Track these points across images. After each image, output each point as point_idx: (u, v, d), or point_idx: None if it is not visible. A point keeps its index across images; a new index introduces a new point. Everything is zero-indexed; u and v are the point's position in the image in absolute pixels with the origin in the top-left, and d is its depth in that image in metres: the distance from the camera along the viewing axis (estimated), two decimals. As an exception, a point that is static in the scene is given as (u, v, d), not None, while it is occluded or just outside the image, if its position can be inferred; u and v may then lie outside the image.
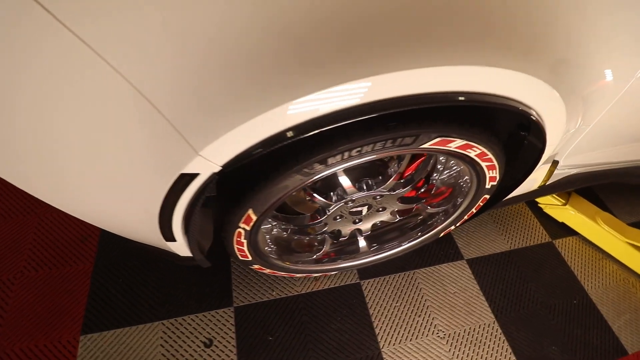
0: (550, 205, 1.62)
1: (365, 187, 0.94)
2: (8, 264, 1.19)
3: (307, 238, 1.18)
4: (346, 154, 0.67)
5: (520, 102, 0.72)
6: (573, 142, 1.07)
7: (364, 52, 0.55)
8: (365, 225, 1.15)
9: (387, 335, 1.23)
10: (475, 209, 1.09)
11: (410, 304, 1.31)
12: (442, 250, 1.48)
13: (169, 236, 0.84)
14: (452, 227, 1.18)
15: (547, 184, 1.34)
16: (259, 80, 0.53)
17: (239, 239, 0.86)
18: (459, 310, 1.32)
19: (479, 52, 0.63)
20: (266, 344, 1.16)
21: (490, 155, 0.81)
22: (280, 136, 0.58)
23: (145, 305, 1.17)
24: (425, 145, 0.71)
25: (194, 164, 0.61)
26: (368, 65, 0.56)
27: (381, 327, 1.24)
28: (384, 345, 1.21)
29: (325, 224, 1.06)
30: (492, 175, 0.90)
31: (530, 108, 0.74)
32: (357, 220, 1.10)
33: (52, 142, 0.54)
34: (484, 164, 0.84)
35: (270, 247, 0.99)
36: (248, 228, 0.82)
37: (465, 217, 1.13)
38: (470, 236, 1.55)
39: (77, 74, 0.47)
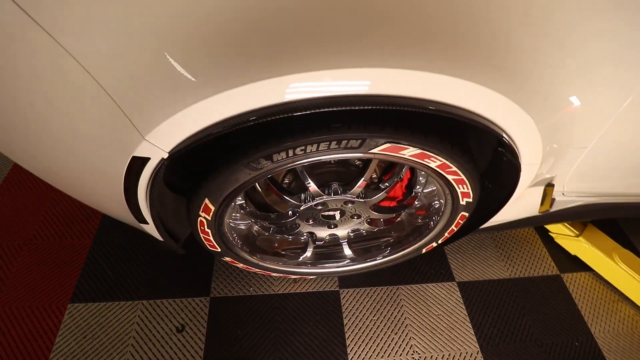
0: (562, 235, 1.49)
1: (333, 191, 0.94)
2: (22, 230, 1.33)
3: (289, 239, 1.19)
4: (291, 152, 0.68)
5: (489, 120, 0.69)
6: (571, 164, 0.99)
7: (316, 43, 0.55)
8: (342, 232, 1.14)
9: (358, 348, 1.20)
10: (456, 227, 1.04)
11: (388, 320, 1.27)
12: (433, 269, 1.42)
13: (140, 218, 0.90)
14: (434, 244, 1.13)
15: (552, 210, 1.25)
16: (196, 69, 0.56)
17: (202, 228, 0.90)
18: (440, 334, 1.25)
19: (448, 61, 0.62)
20: (234, 338, 1.18)
21: (455, 168, 0.78)
22: (222, 124, 0.60)
23: (130, 284, 1.25)
24: (375, 151, 0.70)
25: (142, 148, 0.65)
26: (314, 60, 0.56)
27: (353, 338, 1.21)
28: (352, 357, 1.17)
29: (297, 225, 1.07)
30: (464, 190, 0.86)
31: (499, 127, 0.70)
32: (331, 225, 1.10)
33: (15, 116, 0.61)
34: (450, 177, 0.81)
35: (237, 241, 1.02)
36: (209, 218, 0.86)
37: (447, 235, 1.08)
38: (466, 258, 1.47)
39: (28, 53, 0.53)
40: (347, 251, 1.16)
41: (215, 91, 0.58)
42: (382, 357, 1.19)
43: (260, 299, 1.27)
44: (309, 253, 1.16)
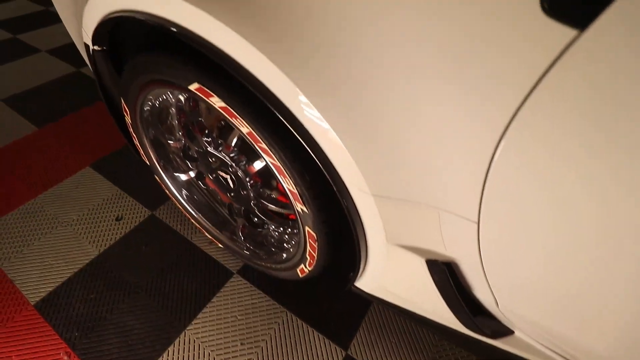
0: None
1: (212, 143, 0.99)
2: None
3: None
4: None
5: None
6: (468, 246, 0.67)
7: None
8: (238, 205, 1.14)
9: (202, 329, 1.14)
10: (313, 250, 0.87)
11: (247, 330, 1.15)
12: (337, 324, 1.17)
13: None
14: (304, 268, 0.97)
15: (507, 349, 0.85)
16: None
17: (131, 132, 1.11)
18: (279, 383, 1.03)
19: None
20: (137, 249, 1.34)
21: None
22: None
23: (123, 174, 1.61)
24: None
25: (84, 35, 0.92)
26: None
27: (204, 318, 1.17)
28: (189, 331, 1.13)
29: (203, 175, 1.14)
30: (291, 188, 0.75)
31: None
32: (230, 192, 1.11)
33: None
34: (266, 157, 0.73)
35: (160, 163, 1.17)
36: (130, 121, 1.06)
37: (309, 258, 0.91)
38: (382, 343, 1.14)
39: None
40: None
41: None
42: (210, 351, 1.09)
43: (178, 238, 1.39)
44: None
